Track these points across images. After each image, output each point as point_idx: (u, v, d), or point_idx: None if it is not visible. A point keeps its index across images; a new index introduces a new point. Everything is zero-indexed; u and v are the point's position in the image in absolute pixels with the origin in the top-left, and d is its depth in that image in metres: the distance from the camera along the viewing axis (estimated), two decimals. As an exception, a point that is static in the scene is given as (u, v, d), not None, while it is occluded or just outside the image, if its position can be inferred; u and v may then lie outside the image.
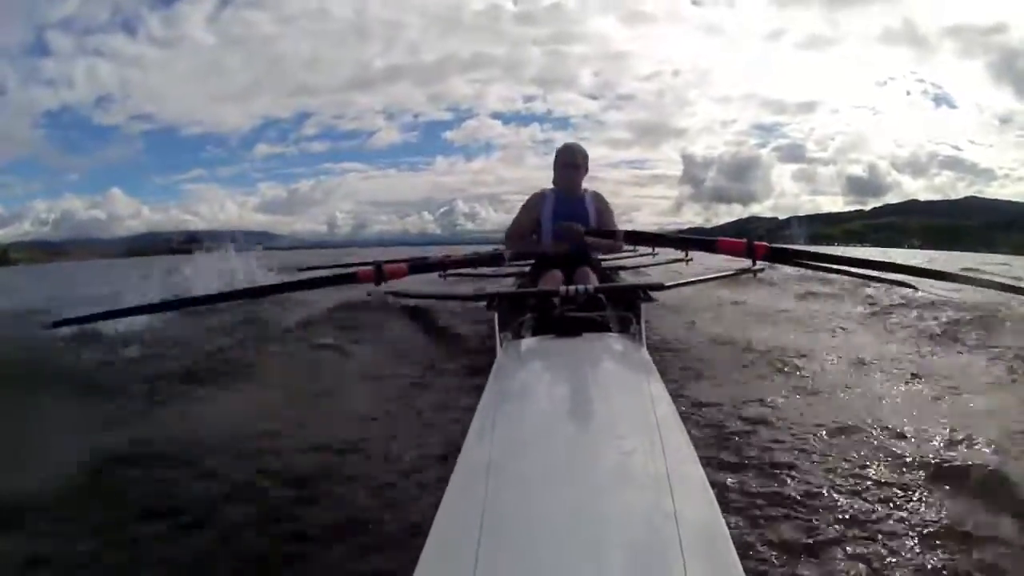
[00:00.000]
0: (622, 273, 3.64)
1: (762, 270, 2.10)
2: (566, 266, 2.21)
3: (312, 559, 1.17)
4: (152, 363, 2.61)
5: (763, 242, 2.03)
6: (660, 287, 2.01)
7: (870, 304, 4.17)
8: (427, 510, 0.79)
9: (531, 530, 0.69)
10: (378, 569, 1.11)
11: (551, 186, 2.60)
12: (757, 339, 2.91)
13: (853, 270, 2.16)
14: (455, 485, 0.82)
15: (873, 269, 2.22)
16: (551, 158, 2.62)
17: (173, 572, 1.13)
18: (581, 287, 1.74)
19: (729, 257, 2.18)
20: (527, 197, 2.67)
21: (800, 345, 2.75)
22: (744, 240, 2.07)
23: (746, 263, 2.11)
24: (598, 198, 2.58)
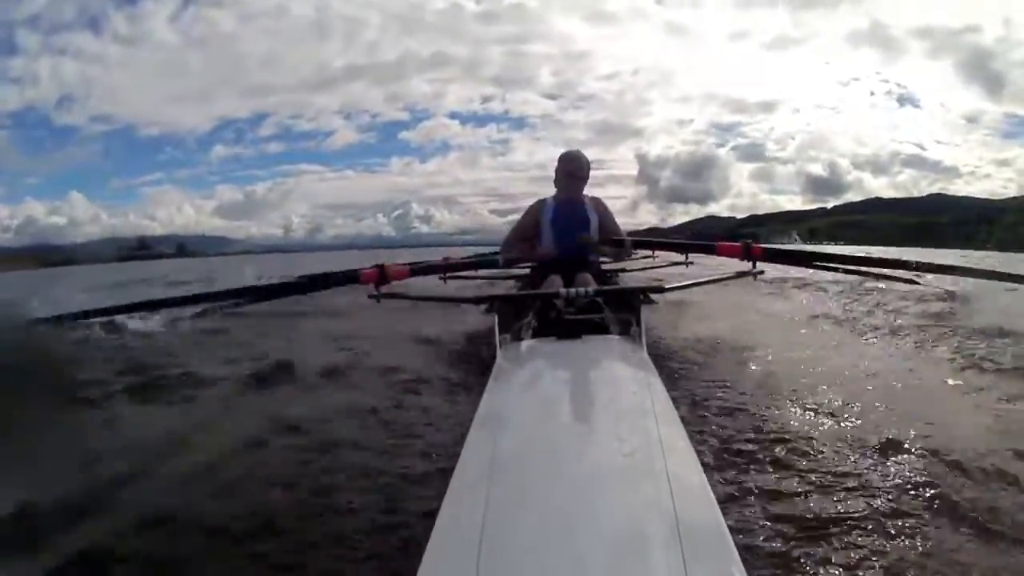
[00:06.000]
0: (622, 276, 3.65)
1: (762, 272, 2.10)
2: (566, 269, 2.19)
3: (313, 559, 1.16)
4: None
5: (760, 244, 2.07)
6: (660, 289, 2.02)
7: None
8: (428, 511, 0.77)
9: (532, 531, 0.69)
10: (380, 569, 1.11)
11: (551, 193, 2.58)
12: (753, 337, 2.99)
13: (850, 267, 2.17)
14: (456, 487, 0.82)
15: (871, 266, 2.23)
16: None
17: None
18: (581, 290, 1.73)
19: (729, 259, 2.20)
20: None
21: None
22: (740, 243, 2.09)
23: (746, 265, 2.12)
24: (598, 203, 2.54)
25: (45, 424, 1.69)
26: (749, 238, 2.21)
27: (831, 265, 2.15)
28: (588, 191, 2.58)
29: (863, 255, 2.34)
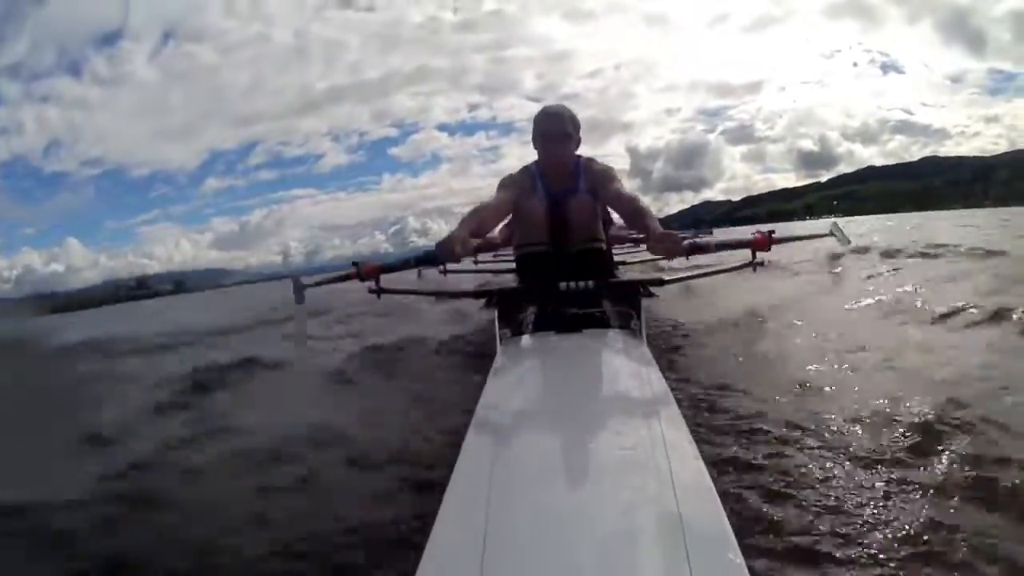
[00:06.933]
0: (621, 268, 3.63)
1: (762, 263, 2.10)
2: (567, 261, 2.10)
3: (313, 556, 1.16)
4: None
5: (771, 234, 2.06)
6: (659, 282, 2.02)
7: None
8: (429, 507, 0.77)
9: (534, 527, 0.69)
10: (380, 567, 1.10)
11: (533, 159, 2.08)
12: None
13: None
14: (456, 482, 0.82)
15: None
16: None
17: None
18: (581, 283, 1.71)
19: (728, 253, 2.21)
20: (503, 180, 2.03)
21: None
22: (765, 234, 2.06)
23: (746, 256, 2.12)
24: (590, 169, 2.02)
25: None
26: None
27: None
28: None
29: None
